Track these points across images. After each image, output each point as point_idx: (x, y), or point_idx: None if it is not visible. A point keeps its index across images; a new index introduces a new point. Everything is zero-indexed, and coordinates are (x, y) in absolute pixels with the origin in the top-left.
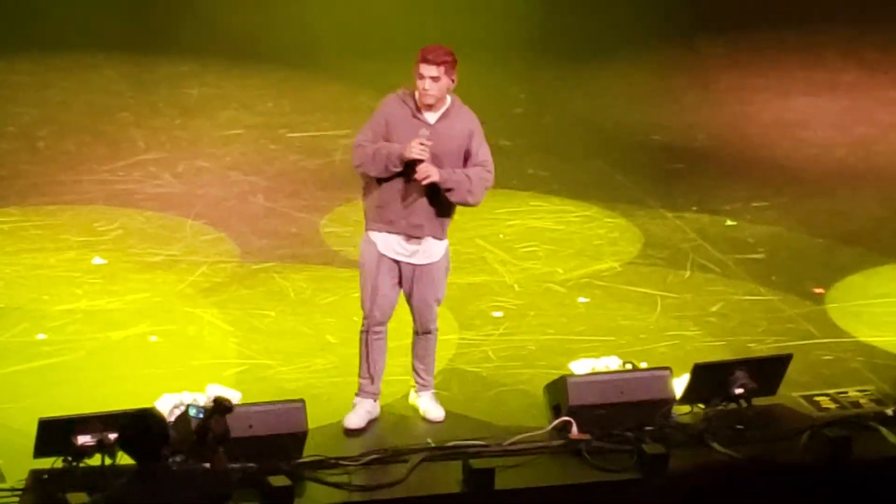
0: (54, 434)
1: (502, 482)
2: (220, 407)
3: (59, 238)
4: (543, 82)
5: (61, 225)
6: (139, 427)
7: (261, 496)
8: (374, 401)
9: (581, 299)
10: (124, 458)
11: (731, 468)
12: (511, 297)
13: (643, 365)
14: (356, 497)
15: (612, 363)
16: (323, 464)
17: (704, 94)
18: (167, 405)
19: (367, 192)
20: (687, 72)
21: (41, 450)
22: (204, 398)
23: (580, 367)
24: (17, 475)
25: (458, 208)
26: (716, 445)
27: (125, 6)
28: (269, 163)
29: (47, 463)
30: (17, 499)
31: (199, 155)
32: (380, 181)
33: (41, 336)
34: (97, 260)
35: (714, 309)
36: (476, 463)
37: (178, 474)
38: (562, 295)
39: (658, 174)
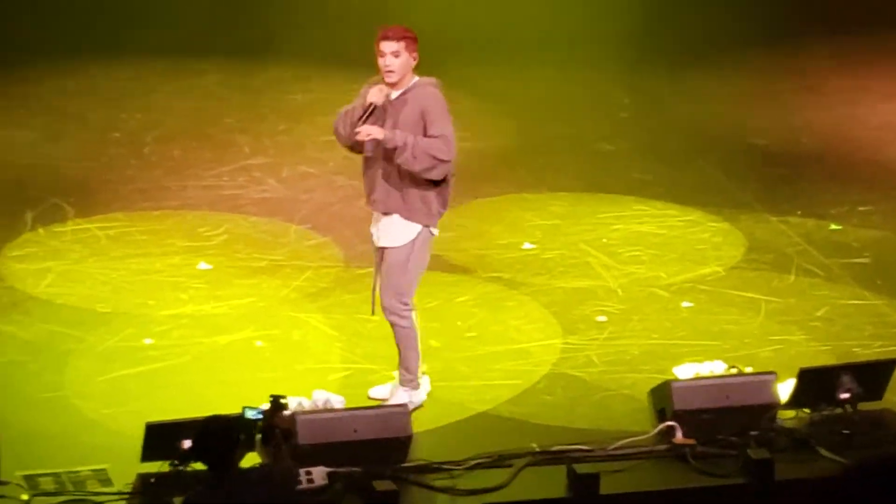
0: (161, 438)
1: (607, 487)
2: (278, 405)
3: (164, 243)
4: (647, 86)
5: (167, 230)
6: (210, 434)
7: (366, 501)
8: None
9: (685, 304)
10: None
11: (838, 473)
12: (615, 302)
13: (748, 369)
14: (461, 501)
15: (716, 367)
16: (428, 468)
17: (809, 97)
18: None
19: None
20: (792, 74)
21: (148, 454)
22: (309, 403)
23: (684, 371)
24: (125, 479)
25: (439, 192)
26: (822, 450)
27: (231, 12)
28: None
29: (154, 467)
30: (124, 503)
31: (303, 160)
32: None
33: (147, 341)
34: (202, 265)
35: (819, 313)
36: (581, 468)
37: (249, 476)
38: (665, 299)
39: (762, 178)
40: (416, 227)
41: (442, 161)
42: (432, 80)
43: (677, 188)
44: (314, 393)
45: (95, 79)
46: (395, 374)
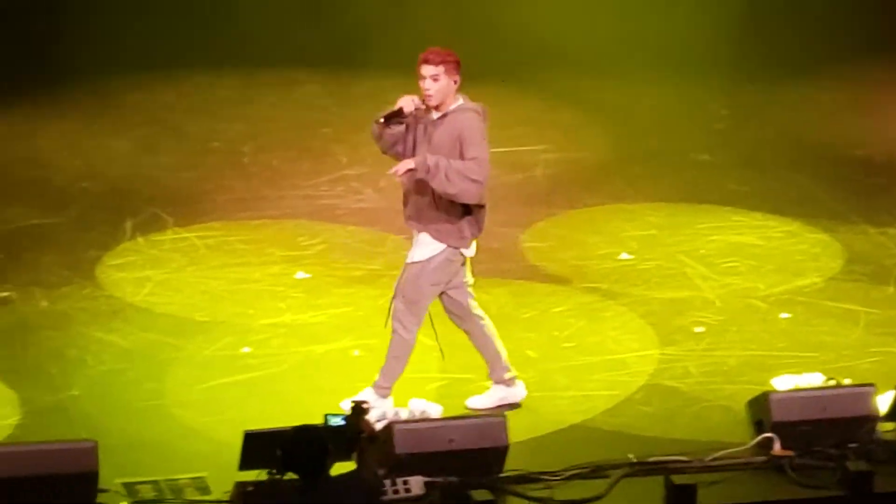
0: (259, 447)
1: (704, 498)
2: (360, 409)
3: (263, 252)
4: (744, 97)
5: (265, 239)
6: (299, 444)
7: None
8: (508, 386)
9: (783, 315)
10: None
11: None
12: (712, 313)
13: (846, 381)
14: None
15: (815, 379)
16: (524, 478)
17: None
18: (371, 418)
19: None
20: (890, 85)
21: (246, 462)
22: (406, 412)
23: (782, 383)
24: (223, 487)
25: (481, 215)
26: None
27: (329, 22)
28: None
29: (252, 475)
30: None
31: None
32: None
33: (246, 349)
34: (301, 274)
35: None
36: (678, 479)
37: (337, 483)
38: (763, 311)
39: (861, 189)
40: (440, 246)
41: (475, 181)
42: (475, 105)
43: (775, 199)
44: (411, 402)
45: (196, 90)
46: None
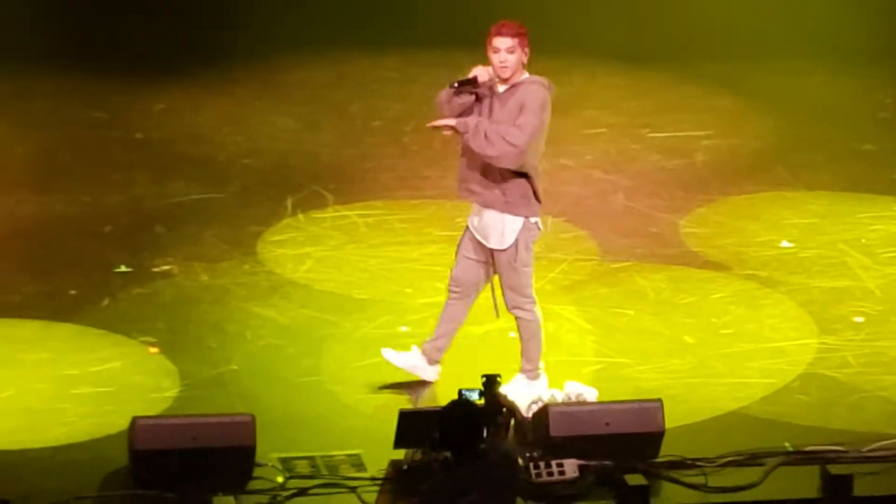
0: (414, 425)
1: (861, 489)
2: (492, 382)
3: (422, 232)
4: None
5: (425, 219)
6: (454, 419)
7: (617, 494)
8: (428, 363)
9: None
10: None
11: None
12: (872, 303)
13: None
14: (712, 499)
15: None
16: (679, 464)
17: None
18: (525, 401)
19: None
20: None
21: (401, 441)
22: (562, 394)
23: None
24: (378, 465)
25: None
26: None
27: (493, 4)
28: (629, 162)
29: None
30: (377, 488)
31: (562, 153)
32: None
33: (403, 328)
34: None
35: None
36: (834, 469)
37: (489, 461)
38: None
39: None
40: (517, 223)
41: (513, 146)
42: (541, 78)
43: None
44: (566, 385)
45: (357, 69)
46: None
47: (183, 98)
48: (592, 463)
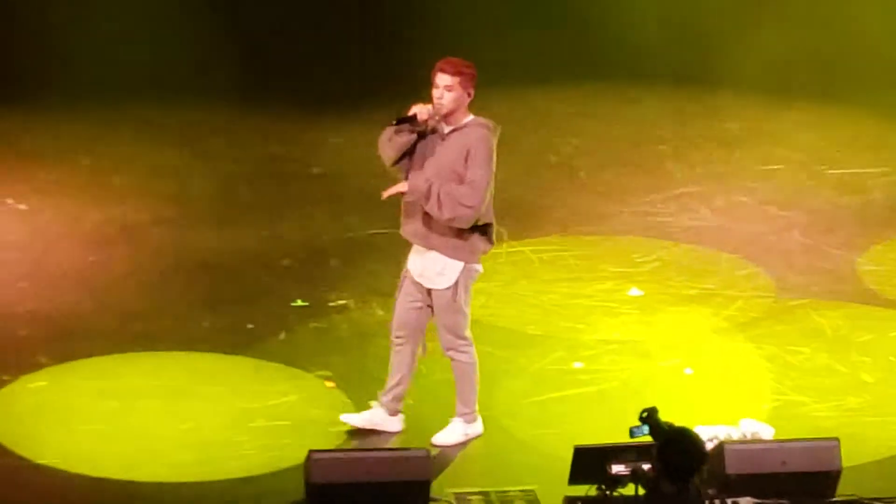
0: (589, 461)
1: None
2: (651, 414)
3: (596, 268)
4: None
5: (599, 255)
6: (678, 446)
7: None
8: (390, 415)
9: None
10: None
11: None
12: None
13: None
14: None
15: None
16: (857, 503)
17: None
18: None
19: None
20: None
21: (576, 477)
22: (738, 432)
23: None
24: (553, 501)
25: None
26: None
27: (669, 41)
28: (805, 198)
29: (581, 490)
30: None
31: (736, 189)
32: None
33: (577, 364)
34: (633, 291)
35: None
36: None
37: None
38: None
39: None
40: (458, 266)
41: (468, 207)
42: (487, 121)
43: None
44: (742, 422)
45: (534, 104)
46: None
47: (360, 132)
48: (768, 502)
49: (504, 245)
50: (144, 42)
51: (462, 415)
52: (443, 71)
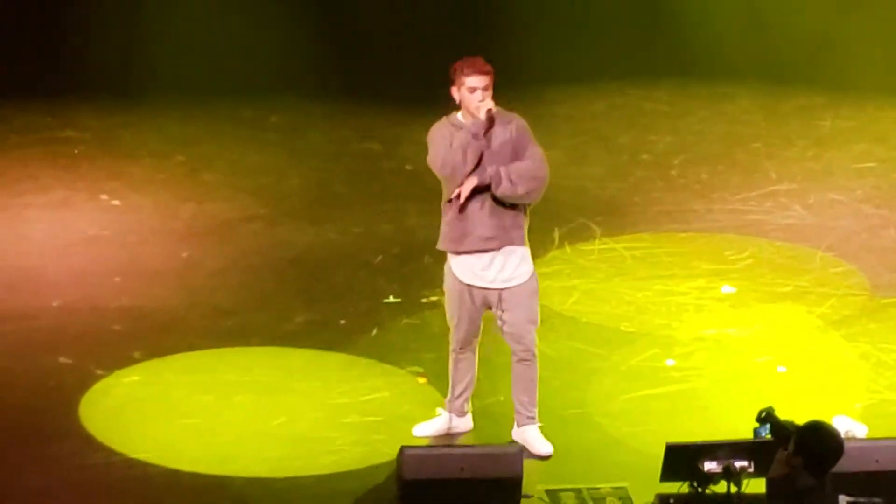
0: (681, 459)
1: None
2: (772, 413)
3: (689, 265)
4: None
5: (692, 252)
6: (821, 438)
7: None
8: (459, 416)
9: None
10: (751, 487)
11: None
12: None
13: None
14: None
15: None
16: None
17: None
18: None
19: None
20: None
21: (667, 474)
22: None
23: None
24: (645, 498)
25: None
26: None
27: (765, 37)
28: None
29: (673, 487)
30: None
31: (830, 187)
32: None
33: (670, 362)
34: (726, 288)
35: None
36: None
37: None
38: None
39: None
40: (527, 251)
41: (539, 178)
42: (512, 112)
43: None
44: (835, 420)
45: (627, 102)
46: (525, 425)
47: None
48: (861, 500)
49: (597, 242)
50: (239, 40)
51: (533, 417)
52: (482, 73)
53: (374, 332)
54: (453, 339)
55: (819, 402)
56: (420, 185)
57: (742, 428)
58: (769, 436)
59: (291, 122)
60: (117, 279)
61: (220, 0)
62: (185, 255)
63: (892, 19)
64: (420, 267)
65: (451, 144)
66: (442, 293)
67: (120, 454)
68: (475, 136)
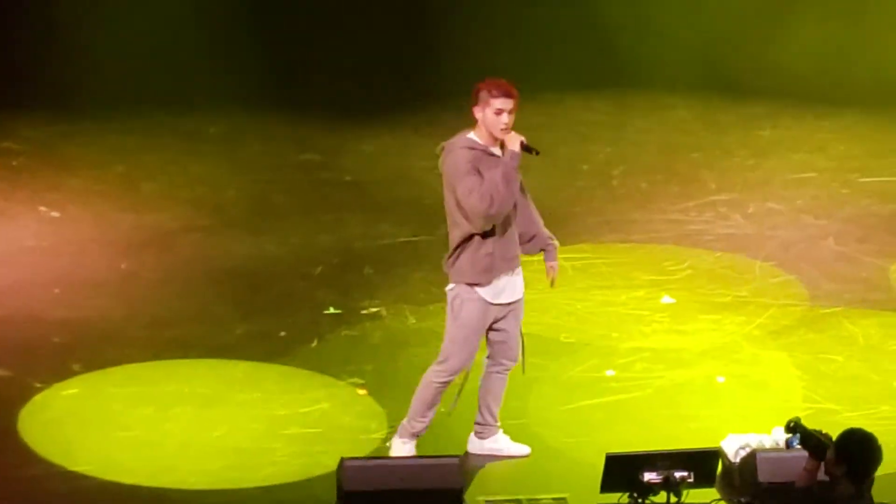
0: (621, 470)
1: None
2: (800, 422)
3: (629, 276)
4: None
5: (632, 263)
6: (864, 446)
7: None
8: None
9: None
10: (690, 497)
11: None
12: None
13: None
14: None
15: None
16: None
17: None
18: (732, 446)
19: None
20: None
21: (608, 485)
22: (770, 440)
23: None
24: None
25: None
26: None
27: (700, 50)
28: (839, 207)
29: (613, 498)
30: None
31: (770, 197)
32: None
33: (609, 372)
34: (666, 299)
35: None
36: None
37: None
38: None
39: None
40: None
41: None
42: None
43: None
44: (774, 430)
45: (567, 112)
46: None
47: (392, 140)
48: None
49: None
50: (178, 52)
51: (496, 425)
52: (510, 96)
53: (315, 343)
54: (449, 370)
55: (758, 413)
56: (359, 196)
57: (682, 438)
58: (800, 445)
59: (230, 133)
60: (56, 291)
61: (160, 12)
62: (123, 266)
63: (830, 28)
64: (360, 278)
65: (473, 169)
66: (382, 304)
67: (59, 467)
68: (515, 168)
